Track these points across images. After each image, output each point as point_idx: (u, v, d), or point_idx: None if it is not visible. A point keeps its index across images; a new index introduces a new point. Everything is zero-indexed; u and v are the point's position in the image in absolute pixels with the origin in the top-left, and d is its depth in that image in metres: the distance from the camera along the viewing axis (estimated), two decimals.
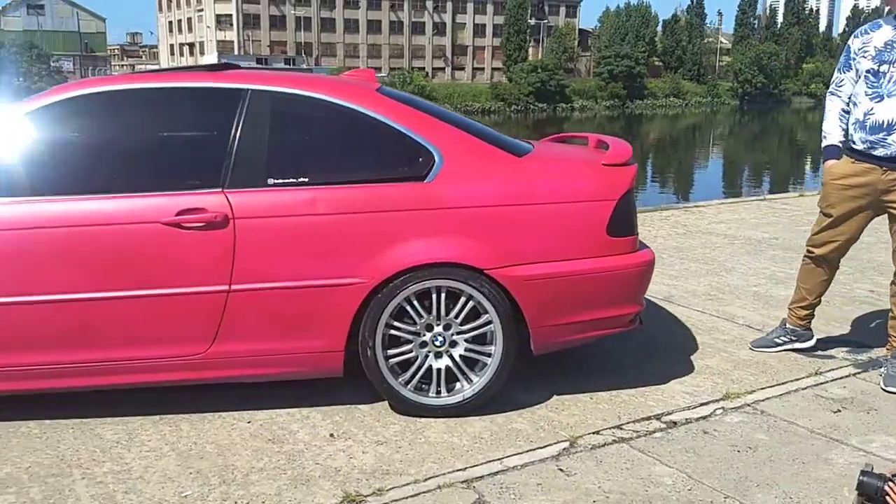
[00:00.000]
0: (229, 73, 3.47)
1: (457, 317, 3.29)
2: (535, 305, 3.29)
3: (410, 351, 3.30)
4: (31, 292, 3.05)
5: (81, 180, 3.19)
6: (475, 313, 3.30)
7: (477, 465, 2.94)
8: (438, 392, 3.33)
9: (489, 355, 3.32)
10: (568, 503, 2.72)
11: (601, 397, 3.57)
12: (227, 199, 3.14)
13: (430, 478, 2.85)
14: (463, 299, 3.27)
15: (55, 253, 3.06)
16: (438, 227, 3.21)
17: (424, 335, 3.30)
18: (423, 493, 2.76)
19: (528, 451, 3.06)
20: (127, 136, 3.35)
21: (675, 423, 3.34)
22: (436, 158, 3.29)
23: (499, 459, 2.99)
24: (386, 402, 3.42)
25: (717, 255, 6.40)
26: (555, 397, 3.54)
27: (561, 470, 2.93)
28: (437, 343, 3.30)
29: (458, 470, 2.91)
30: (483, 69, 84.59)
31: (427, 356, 3.31)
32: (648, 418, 3.38)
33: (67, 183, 3.16)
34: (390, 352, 3.28)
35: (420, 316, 3.27)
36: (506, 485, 2.81)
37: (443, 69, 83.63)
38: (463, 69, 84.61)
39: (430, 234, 3.21)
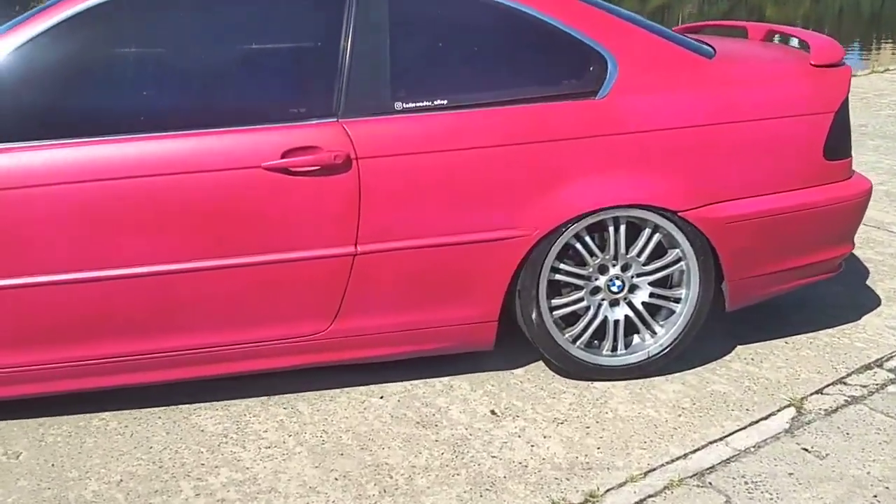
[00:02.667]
0: None
1: (639, 254, 2.57)
2: (738, 253, 2.56)
3: (581, 300, 2.59)
4: (87, 267, 2.27)
5: (148, 115, 2.33)
6: (661, 249, 2.58)
7: (698, 450, 2.29)
8: (615, 349, 2.65)
9: (678, 301, 2.62)
10: (842, 499, 2.09)
11: (799, 342, 2.90)
12: (347, 132, 2.34)
13: (648, 471, 2.21)
14: (647, 231, 2.54)
15: (118, 214, 2.25)
16: (617, 157, 2.45)
17: (597, 279, 2.58)
18: (651, 497, 2.11)
19: (751, 425, 2.41)
20: (203, 52, 2.46)
21: None
22: (609, 66, 2.48)
23: (721, 439, 2.34)
24: (542, 365, 2.74)
25: None
26: (743, 345, 2.88)
27: (807, 450, 2.28)
28: (614, 289, 2.59)
29: (678, 458, 2.26)
30: None
31: (600, 305, 2.61)
32: (869, 367, 2.73)
33: (128, 119, 2.31)
34: (555, 302, 2.57)
35: (592, 255, 2.54)
36: (749, 478, 2.17)
37: None
38: None
39: (608, 168, 2.44)
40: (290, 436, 2.40)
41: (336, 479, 2.21)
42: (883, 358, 2.78)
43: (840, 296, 3.26)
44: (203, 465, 2.28)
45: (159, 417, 2.51)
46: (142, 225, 2.27)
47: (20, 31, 2.28)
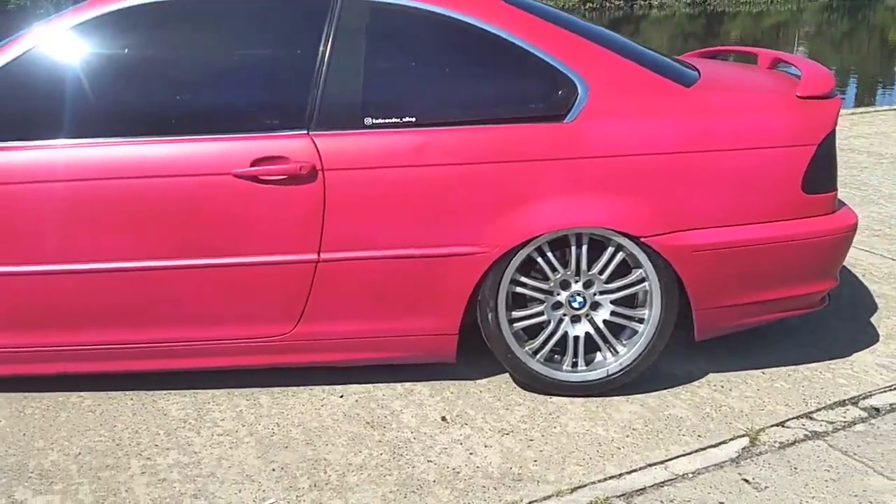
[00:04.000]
0: None
1: (601, 272, 2.56)
2: (705, 282, 2.53)
3: (541, 313, 2.61)
4: (69, 259, 2.45)
5: (128, 120, 2.50)
6: (625, 267, 2.57)
7: (635, 471, 2.28)
8: (575, 365, 2.65)
9: (641, 321, 2.60)
10: None
11: (776, 373, 2.83)
12: (315, 145, 2.44)
13: (576, 488, 2.20)
14: (610, 250, 2.54)
15: (96, 212, 2.42)
16: (582, 181, 2.46)
17: (559, 294, 2.60)
18: None
19: (698, 452, 2.37)
20: (184, 62, 2.60)
21: (877, 409, 2.59)
22: (579, 90, 2.49)
23: (662, 462, 2.32)
24: (506, 377, 2.77)
25: (867, 178, 5.44)
26: (716, 372, 2.82)
27: (747, 481, 2.23)
28: (576, 304, 2.60)
29: (611, 477, 2.25)
30: None
31: (561, 320, 2.62)
32: (843, 403, 2.63)
33: (109, 123, 2.47)
34: (515, 314, 2.59)
35: (554, 270, 2.56)
36: (678, 502, 2.15)
37: None
38: None
39: (570, 191, 2.46)
40: (243, 426, 2.51)
41: (273, 469, 2.30)
42: (860, 395, 2.68)
43: (837, 329, 3.15)
44: (157, 446, 2.41)
45: (130, 399, 2.66)
46: (117, 223, 2.43)
47: (16, 43, 2.50)
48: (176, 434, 2.47)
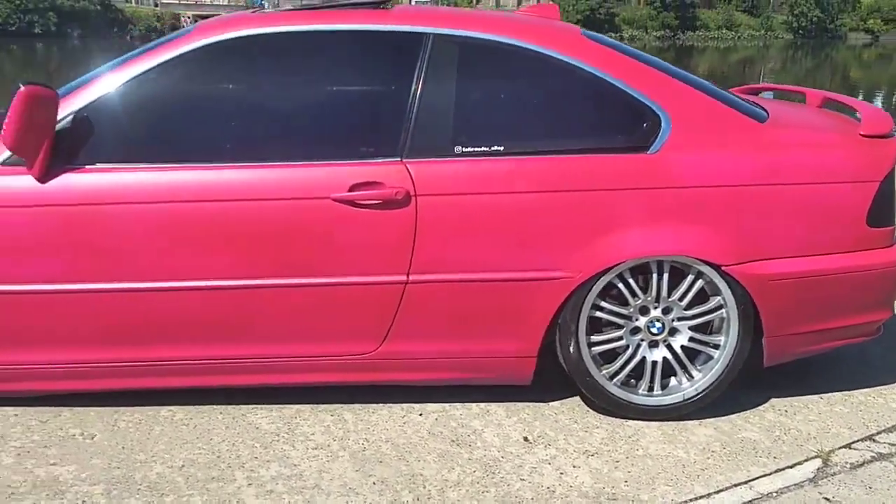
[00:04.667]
0: (399, 12, 2.81)
1: (681, 299, 2.68)
2: (778, 310, 2.66)
3: (620, 338, 2.72)
4: (169, 277, 2.53)
5: (232, 146, 2.61)
6: (703, 295, 2.69)
7: (722, 491, 2.38)
8: (651, 389, 2.76)
9: (717, 347, 2.72)
10: None
11: (834, 398, 2.96)
12: (409, 171, 2.54)
13: None
14: (690, 278, 2.66)
15: (200, 232, 2.51)
16: (665, 209, 2.58)
17: (638, 319, 2.71)
18: None
19: (776, 472, 2.48)
20: (285, 92, 2.73)
21: None
22: (662, 123, 2.62)
23: (746, 483, 2.43)
24: (577, 399, 2.87)
25: None
26: (778, 397, 2.95)
27: (827, 500, 2.35)
28: (654, 330, 2.71)
29: (701, 497, 2.35)
30: None
31: (639, 345, 2.73)
32: None
33: (215, 149, 2.58)
34: (594, 338, 2.70)
35: (634, 296, 2.67)
36: None
37: None
38: None
39: (654, 220, 2.58)
40: (334, 440, 2.59)
41: (374, 483, 2.38)
42: None
43: (885, 357, 3.29)
44: (256, 458, 2.48)
45: (220, 413, 2.73)
46: (220, 243, 2.52)
47: (130, 66, 2.59)
48: (272, 447, 2.54)
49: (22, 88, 2.34)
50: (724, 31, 77.62)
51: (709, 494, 2.37)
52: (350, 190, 2.52)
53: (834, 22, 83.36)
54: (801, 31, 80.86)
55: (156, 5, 49.45)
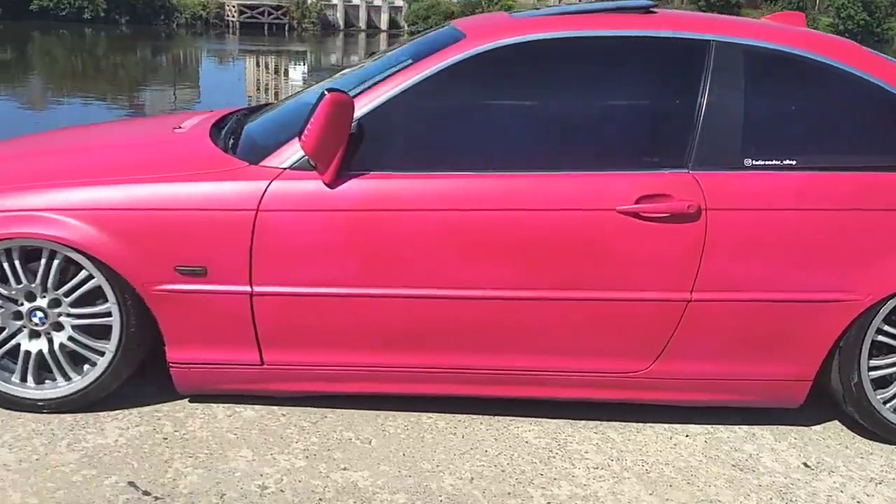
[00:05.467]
0: (674, 18, 2.71)
1: None
2: None
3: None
4: (445, 286, 2.47)
5: (513, 155, 2.56)
6: None
7: None
8: None
9: None
10: None
11: None
12: (698, 183, 2.46)
13: None
14: None
15: (479, 242, 2.45)
16: None
17: None
18: None
19: None
20: (565, 100, 2.66)
21: None
22: None
23: None
24: (836, 423, 2.78)
25: None
26: None
27: None
28: None
29: None
30: None
31: None
32: None
33: (495, 158, 2.54)
34: (873, 363, 2.61)
35: None
36: None
37: None
38: None
39: None
40: (611, 460, 2.52)
41: None
42: None
43: None
44: (541, 475, 2.41)
45: (481, 423, 2.67)
46: (499, 254, 2.46)
47: (406, 74, 2.54)
48: (552, 464, 2.47)
49: (327, 95, 2.30)
50: None
51: None
52: (637, 202, 2.44)
53: (881, 25, 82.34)
54: (847, 34, 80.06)
55: None
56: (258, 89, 16.86)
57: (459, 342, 2.54)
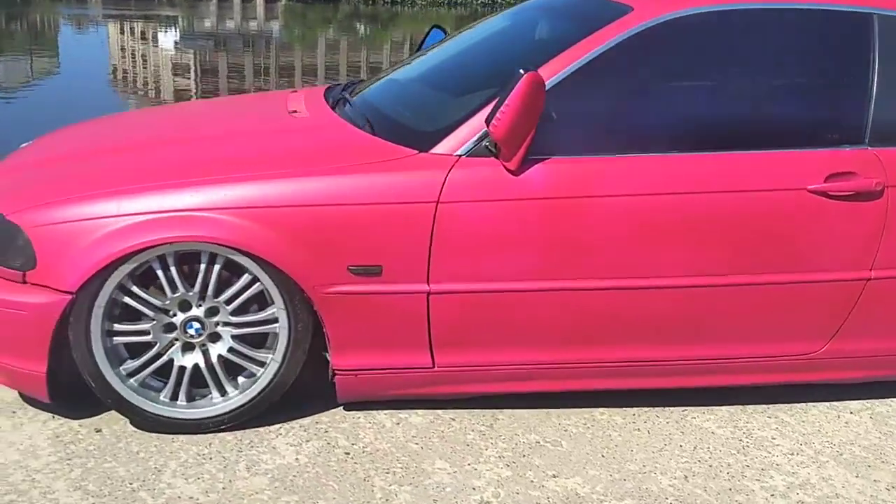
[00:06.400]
0: None
1: None
2: None
3: None
4: (632, 275, 2.34)
5: (697, 133, 2.44)
6: None
7: None
8: None
9: None
10: None
11: None
12: (879, 160, 2.42)
13: None
14: None
15: (665, 225, 2.33)
16: None
17: None
18: None
19: None
20: (747, 74, 2.55)
21: None
22: None
23: None
24: None
25: None
26: None
27: None
28: None
29: None
30: None
31: None
32: None
33: (679, 137, 2.42)
34: None
35: None
36: None
37: None
38: None
39: None
40: (801, 444, 2.47)
41: (887, 488, 2.28)
42: None
43: None
44: (748, 466, 2.34)
45: (657, 416, 2.57)
46: (688, 238, 2.34)
47: (579, 50, 2.37)
48: (750, 453, 2.40)
49: (525, 74, 2.11)
50: None
51: None
52: (826, 180, 2.38)
53: None
54: None
55: None
56: (124, 56, 15.76)
57: (640, 334, 2.42)
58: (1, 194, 2.33)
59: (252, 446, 2.28)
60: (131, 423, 2.33)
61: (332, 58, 17.77)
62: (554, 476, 2.23)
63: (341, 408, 2.49)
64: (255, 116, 2.93)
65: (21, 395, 2.44)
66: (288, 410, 2.43)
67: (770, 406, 2.67)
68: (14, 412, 2.38)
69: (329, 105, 2.79)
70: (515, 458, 2.30)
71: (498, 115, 2.16)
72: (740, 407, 2.65)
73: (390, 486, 2.14)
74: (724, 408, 2.64)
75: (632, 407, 2.60)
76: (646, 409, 2.60)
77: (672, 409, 2.61)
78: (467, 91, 2.61)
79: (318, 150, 2.39)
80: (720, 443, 2.45)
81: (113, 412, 2.37)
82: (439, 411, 2.51)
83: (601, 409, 2.58)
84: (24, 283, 2.17)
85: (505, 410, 2.53)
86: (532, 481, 2.20)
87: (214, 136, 2.67)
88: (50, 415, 2.36)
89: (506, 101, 2.14)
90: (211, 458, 2.21)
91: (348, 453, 2.27)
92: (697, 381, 2.55)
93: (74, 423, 2.33)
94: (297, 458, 2.23)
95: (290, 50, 18.21)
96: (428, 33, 3.58)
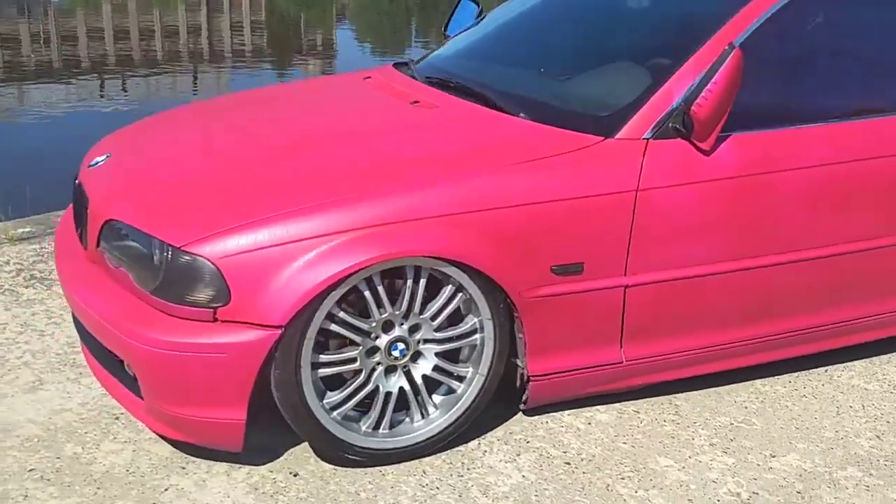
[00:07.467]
0: None
1: None
2: None
3: None
4: (819, 244, 2.37)
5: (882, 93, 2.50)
6: None
7: None
8: None
9: None
10: None
11: None
12: None
13: None
14: None
15: (857, 191, 2.37)
16: None
17: None
18: None
19: None
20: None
21: None
22: None
23: None
24: None
25: None
26: None
27: None
28: None
29: None
30: None
31: None
32: None
33: (864, 99, 2.48)
34: None
35: None
36: None
37: None
38: None
39: None
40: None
41: None
42: None
43: None
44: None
45: (809, 379, 2.61)
46: (878, 201, 2.40)
47: (747, 13, 2.29)
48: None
49: (735, 51, 2.03)
50: None
51: None
52: None
53: None
54: None
55: None
56: None
57: (814, 302, 2.45)
58: (148, 220, 1.95)
59: (468, 469, 2.09)
60: (324, 460, 2.07)
61: (120, 21, 16.82)
62: (772, 456, 2.22)
63: (520, 415, 2.34)
64: (369, 110, 2.59)
65: (177, 446, 2.10)
66: None
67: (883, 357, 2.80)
68: (184, 468, 2.04)
69: (447, 92, 2.54)
70: (726, 444, 2.27)
71: (704, 93, 2.06)
72: (867, 360, 2.76)
73: (636, 492, 2.04)
74: (857, 362, 2.74)
75: (781, 375, 2.63)
76: (794, 374, 2.64)
77: (813, 370, 2.67)
78: (618, 68, 2.49)
79: (495, 145, 2.18)
80: (879, 398, 2.54)
81: (292, 452, 2.10)
82: (618, 405, 2.42)
83: (760, 381, 2.59)
84: (215, 321, 1.85)
85: (678, 395, 2.48)
86: (758, 465, 2.18)
87: (357, 134, 2.35)
88: (224, 465, 2.05)
89: (713, 79, 2.05)
90: (439, 488, 2.01)
91: (568, 463, 2.14)
92: (845, 340, 2.61)
93: (262, 470, 2.04)
94: (523, 476, 2.08)
95: (71, 15, 16.96)
96: (456, 6, 3.37)
